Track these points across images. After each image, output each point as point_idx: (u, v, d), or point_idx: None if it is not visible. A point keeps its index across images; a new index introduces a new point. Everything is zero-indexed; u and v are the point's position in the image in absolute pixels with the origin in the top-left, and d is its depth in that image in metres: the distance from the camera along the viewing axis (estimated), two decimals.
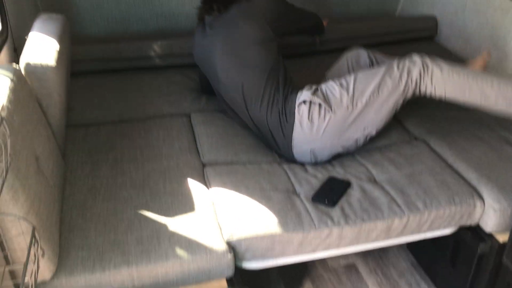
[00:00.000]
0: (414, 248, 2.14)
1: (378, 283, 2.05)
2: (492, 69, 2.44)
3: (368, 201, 1.67)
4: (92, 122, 2.05)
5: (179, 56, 2.47)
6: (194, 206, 1.63)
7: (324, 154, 1.84)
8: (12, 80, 1.42)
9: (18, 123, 1.36)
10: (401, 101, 1.82)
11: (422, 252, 2.10)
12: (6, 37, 1.87)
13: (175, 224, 1.55)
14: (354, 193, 1.71)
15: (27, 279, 1.09)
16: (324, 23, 2.38)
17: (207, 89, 2.23)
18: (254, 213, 1.59)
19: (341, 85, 1.81)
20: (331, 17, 2.48)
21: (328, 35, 2.52)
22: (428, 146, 1.95)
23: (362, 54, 2.07)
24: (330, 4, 2.81)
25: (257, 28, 1.89)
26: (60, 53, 1.71)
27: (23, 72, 1.61)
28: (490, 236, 1.72)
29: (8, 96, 1.35)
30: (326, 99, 1.78)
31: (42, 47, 1.68)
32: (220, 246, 1.49)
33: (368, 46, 2.71)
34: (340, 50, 2.64)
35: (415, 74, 1.79)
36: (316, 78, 2.02)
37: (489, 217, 1.69)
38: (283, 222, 1.56)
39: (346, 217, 1.61)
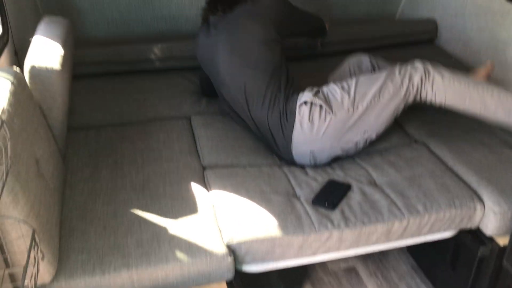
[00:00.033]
0: (414, 251, 2.14)
1: (378, 286, 2.04)
2: (492, 71, 2.44)
3: (368, 204, 1.67)
4: (92, 125, 2.06)
5: (179, 59, 2.48)
6: (194, 209, 1.63)
7: (324, 156, 1.84)
8: (12, 83, 1.42)
9: (18, 126, 1.37)
10: (401, 106, 1.83)
11: (422, 255, 2.09)
12: (7, 40, 1.87)
13: (175, 227, 1.55)
14: (354, 196, 1.71)
15: (26, 282, 1.09)
16: (326, 26, 2.38)
17: (207, 91, 2.24)
18: (254, 216, 1.59)
19: (342, 88, 1.81)
20: (331, 20, 2.48)
21: (328, 38, 2.53)
22: (428, 149, 1.95)
23: (364, 60, 2.08)
24: (330, 7, 2.81)
25: (261, 29, 1.91)
26: (65, 57, 1.71)
27: (27, 75, 1.62)
28: (491, 239, 1.72)
29: (9, 99, 1.35)
30: (327, 101, 1.79)
31: (46, 51, 1.69)
32: (220, 249, 1.49)
33: (368, 49, 2.72)
34: (340, 53, 2.65)
35: (416, 79, 1.79)
36: (316, 81, 2.02)
37: (489, 220, 1.69)
38: (283, 225, 1.56)
39: (346, 220, 1.61)
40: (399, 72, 1.82)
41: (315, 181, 1.77)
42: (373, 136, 1.86)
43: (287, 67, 1.91)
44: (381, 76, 1.82)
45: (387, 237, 1.66)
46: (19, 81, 1.48)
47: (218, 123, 2.08)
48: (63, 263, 1.42)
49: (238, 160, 1.88)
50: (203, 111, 2.19)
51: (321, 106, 1.77)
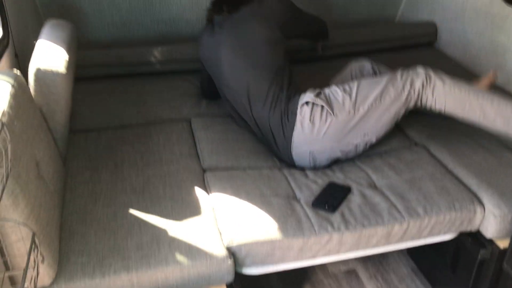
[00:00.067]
0: (414, 253, 2.14)
1: None
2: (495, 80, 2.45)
3: (368, 207, 1.67)
4: (92, 128, 2.06)
5: (179, 62, 2.48)
6: (194, 211, 1.63)
7: (323, 158, 1.84)
8: (13, 85, 1.43)
9: (18, 128, 1.37)
10: (402, 111, 1.84)
11: (422, 258, 2.09)
12: (7, 43, 1.88)
13: (175, 229, 1.55)
14: (354, 199, 1.71)
15: (26, 284, 1.09)
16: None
17: (208, 93, 2.25)
18: (254, 218, 1.59)
19: (344, 90, 1.82)
20: (330, 23, 2.49)
21: (328, 41, 2.53)
22: (428, 152, 1.95)
23: (366, 65, 2.10)
24: (330, 10, 2.82)
25: (266, 29, 1.93)
26: (69, 61, 1.72)
27: (32, 77, 1.62)
28: (491, 242, 1.72)
29: (9, 102, 1.36)
30: (328, 102, 1.80)
31: (51, 54, 1.70)
32: (220, 251, 1.49)
33: (368, 52, 2.73)
34: (340, 56, 2.66)
35: (418, 84, 1.80)
36: (317, 84, 2.02)
37: (489, 223, 1.69)
38: (283, 228, 1.56)
39: (346, 222, 1.61)
40: (401, 77, 1.83)
41: (315, 184, 1.77)
42: (373, 139, 1.86)
43: (290, 68, 1.93)
44: (383, 80, 1.83)
45: (387, 240, 1.66)
46: (19, 84, 1.48)
47: (218, 125, 2.08)
48: (63, 266, 1.42)
49: (238, 163, 1.88)
50: (203, 113, 2.20)
51: (322, 107, 1.78)
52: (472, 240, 1.75)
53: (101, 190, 1.70)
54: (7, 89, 1.40)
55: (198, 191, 1.72)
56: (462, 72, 2.57)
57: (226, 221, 1.59)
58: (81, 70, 2.32)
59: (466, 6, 2.56)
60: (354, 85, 1.82)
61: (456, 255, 1.84)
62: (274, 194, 1.70)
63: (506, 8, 2.32)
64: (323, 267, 2.13)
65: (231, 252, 1.52)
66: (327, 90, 1.85)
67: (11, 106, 1.35)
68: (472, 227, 1.73)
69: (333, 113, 1.77)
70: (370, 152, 1.94)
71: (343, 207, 1.67)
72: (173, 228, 1.55)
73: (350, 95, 1.79)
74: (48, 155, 1.59)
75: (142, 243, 1.49)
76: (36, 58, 1.66)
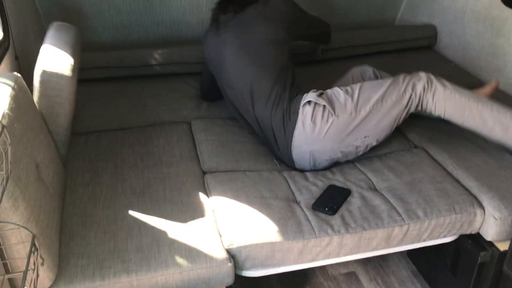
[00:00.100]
0: (414, 256, 2.14)
1: None
2: (492, 76, 2.45)
3: (369, 209, 1.67)
4: (92, 130, 2.06)
5: (179, 64, 2.48)
6: (194, 213, 1.63)
7: (323, 159, 1.84)
8: (13, 88, 1.43)
9: (19, 131, 1.37)
10: (403, 115, 1.85)
11: (422, 260, 2.09)
12: (8, 46, 1.88)
13: (175, 231, 1.55)
14: (354, 201, 1.71)
15: (26, 287, 1.09)
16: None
17: (207, 95, 2.25)
18: (254, 221, 1.59)
19: (346, 91, 1.83)
20: (330, 25, 2.49)
21: (330, 44, 2.53)
22: (428, 154, 1.96)
23: (368, 71, 2.11)
24: (330, 12, 2.82)
25: (272, 30, 1.95)
26: (74, 64, 1.73)
27: (37, 79, 1.63)
28: (491, 244, 1.72)
29: (10, 104, 1.36)
30: (330, 103, 1.81)
31: (57, 57, 1.70)
32: (220, 254, 1.49)
33: (367, 54, 2.74)
34: (340, 59, 2.67)
35: (419, 88, 1.81)
36: (317, 86, 2.02)
37: (489, 225, 1.69)
38: (283, 230, 1.56)
39: (346, 225, 1.61)
40: (403, 81, 1.84)
41: (315, 186, 1.77)
42: (374, 142, 1.87)
43: (293, 69, 1.95)
44: (385, 83, 1.84)
45: (387, 243, 1.66)
46: (19, 86, 1.48)
47: (218, 127, 2.08)
48: (63, 268, 1.42)
49: (238, 165, 1.88)
50: (203, 115, 2.20)
51: (324, 107, 1.79)
52: (472, 242, 1.75)
53: (101, 192, 1.70)
54: (7, 91, 1.40)
55: (198, 193, 1.72)
56: (462, 74, 2.57)
57: (226, 223, 1.59)
58: (81, 72, 2.32)
59: (466, 9, 2.56)
60: (357, 87, 1.84)
61: (456, 257, 1.84)
62: (274, 196, 1.70)
63: (506, 10, 2.32)
64: (323, 269, 2.12)
65: (231, 255, 1.51)
66: (329, 91, 1.86)
67: (11, 108, 1.35)
68: (472, 230, 1.73)
69: (334, 113, 1.78)
70: (370, 154, 1.94)
71: (343, 210, 1.67)
72: (173, 230, 1.55)
73: (352, 97, 1.80)
74: (48, 157, 1.59)
75: (142, 245, 1.49)
76: (42, 61, 1.67)
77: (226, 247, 1.52)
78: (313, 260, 1.62)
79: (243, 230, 1.56)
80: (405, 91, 1.82)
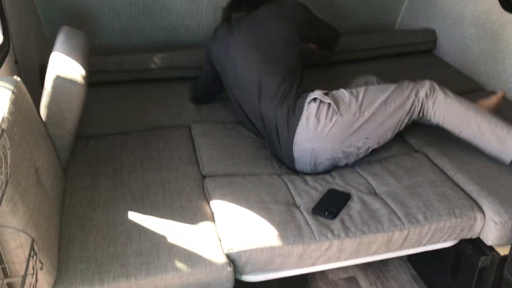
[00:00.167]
0: (414, 260, 2.13)
1: None
2: (491, 81, 2.46)
3: (368, 214, 1.67)
4: (92, 134, 2.06)
5: (179, 69, 2.49)
6: (193, 218, 1.62)
7: (324, 158, 1.85)
8: (13, 92, 1.43)
9: (18, 135, 1.37)
10: (406, 120, 1.87)
11: (422, 265, 2.09)
12: (8, 50, 1.88)
13: (175, 236, 1.54)
14: (354, 205, 1.70)
15: None
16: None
17: (200, 97, 2.29)
18: (254, 225, 1.59)
19: (351, 93, 1.86)
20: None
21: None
22: (428, 158, 1.95)
23: (372, 80, 2.14)
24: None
25: (284, 29, 2.00)
26: (86, 72, 1.75)
27: (50, 83, 1.64)
28: (491, 249, 1.72)
29: (9, 108, 1.36)
30: (335, 102, 1.83)
31: (70, 63, 1.72)
32: (219, 258, 1.49)
33: (367, 59, 2.74)
34: (339, 63, 2.67)
35: (422, 94, 1.84)
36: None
37: (490, 230, 1.68)
38: (283, 235, 1.56)
39: (346, 229, 1.60)
40: (407, 87, 1.87)
41: (315, 190, 1.77)
42: (375, 144, 1.88)
43: (301, 70, 1.99)
44: (389, 88, 1.87)
45: (387, 247, 1.66)
46: (19, 90, 1.48)
47: (218, 131, 2.08)
48: (62, 273, 1.41)
49: (238, 169, 1.88)
50: (203, 119, 2.20)
51: (329, 105, 1.81)
52: (472, 247, 1.75)
53: (100, 196, 1.70)
54: (7, 95, 1.40)
55: (198, 198, 1.72)
56: (462, 78, 2.58)
57: (225, 227, 1.59)
58: None
59: (465, 13, 2.57)
60: (362, 90, 1.87)
61: (457, 262, 1.83)
62: (274, 200, 1.70)
63: (505, 15, 2.33)
64: (323, 274, 2.12)
65: (231, 259, 1.51)
66: (334, 92, 1.89)
67: (11, 113, 1.35)
68: (473, 234, 1.73)
69: (339, 112, 1.80)
70: (370, 158, 1.95)
71: (343, 214, 1.67)
72: (173, 234, 1.55)
73: (357, 98, 1.83)
74: (48, 161, 1.58)
75: (142, 250, 1.49)
76: (55, 66, 1.68)
77: (225, 252, 1.52)
78: (313, 264, 1.61)
79: (243, 234, 1.56)
80: (408, 96, 1.84)
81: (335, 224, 1.62)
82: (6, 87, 1.43)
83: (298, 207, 1.70)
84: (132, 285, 1.41)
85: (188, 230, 1.57)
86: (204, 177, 1.85)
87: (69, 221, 1.59)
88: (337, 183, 1.82)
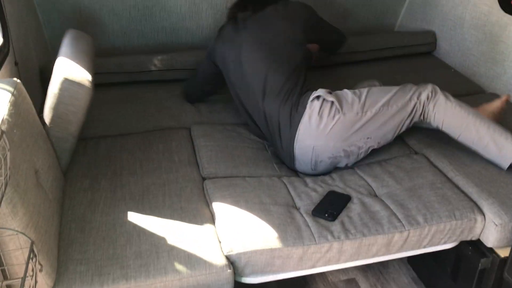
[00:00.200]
0: (415, 262, 2.13)
1: None
2: (491, 83, 2.45)
3: (368, 215, 1.67)
4: (91, 136, 2.05)
5: (179, 70, 2.49)
6: (193, 220, 1.62)
7: (326, 156, 1.85)
8: (13, 93, 1.43)
9: (18, 136, 1.37)
10: (407, 122, 1.88)
11: (423, 267, 2.08)
12: (8, 51, 1.88)
13: (174, 238, 1.54)
14: (354, 207, 1.70)
15: None
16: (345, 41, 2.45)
17: (193, 95, 2.31)
18: (254, 227, 1.59)
19: (354, 93, 1.88)
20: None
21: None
22: (428, 160, 1.95)
23: (374, 83, 2.16)
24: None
25: (290, 29, 2.04)
26: (92, 76, 1.76)
27: (58, 85, 1.64)
28: (491, 251, 1.71)
29: (9, 110, 1.36)
30: (338, 100, 1.84)
31: (77, 66, 1.73)
32: (219, 260, 1.48)
33: (367, 61, 2.74)
34: (339, 65, 2.67)
35: (423, 97, 1.86)
36: None
37: (490, 232, 1.68)
38: (283, 237, 1.56)
39: (346, 231, 1.60)
40: (410, 89, 1.89)
41: (315, 192, 1.77)
42: (375, 145, 1.88)
43: (306, 70, 2.01)
44: (392, 89, 1.89)
45: (387, 249, 1.65)
46: (19, 92, 1.48)
47: (217, 133, 2.08)
48: (61, 275, 1.41)
49: (237, 171, 1.88)
50: (203, 121, 2.20)
51: (332, 104, 1.82)
52: (472, 249, 1.75)
53: (100, 198, 1.70)
54: (7, 97, 1.40)
55: (198, 199, 1.71)
56: (461, 80, 2.58)
57: (225, 229, 1.59)
58: None
59: (465, 15, 2.57)
60: (364, 90, 1.88)
61: (457, 264, 1.83)
62: (274, 202, 1.70)
63: (505, 16, 2.33)
64: (322, 276, 2.11)
65: (231, 261, 1.51)
66: (338, 91, 1.90)
67: (10, 114, 1.35)
68: (473, 236, 1.73)
69: (341, 110, 1.81)
70: (370, 160, 1.94)
71: (343, 216, 1.66)
72: (172, 236, 1.54)
73: (359, 98, 1.85)
74: (47, 163, 1.58)
75: (141, 251, 1.49)
76: (63, 68, 1.69)
77: (225, 254, 1.51)
78: (313, 266, 1.61)
79: (242, 236, 1.55)
80: (410, 99, 1.85)
81: (335, 226, 1.62)
82: (6, 89, 1.43)
83: (298, 209, 1.70)
84: (132, 287, 1.40)
85: (187, 232, 1.57)
86: (204, 178, 1.85)
87: (68, 222, 1.59)
88: (337, 185, 1.82)
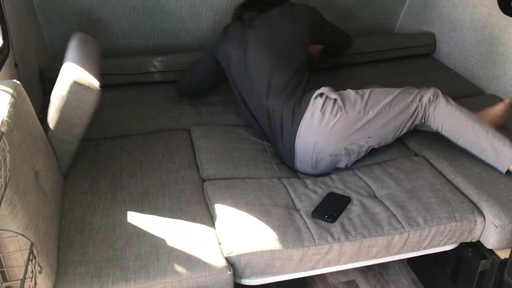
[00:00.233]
0: (414, 264, 2.13)
1: None
2: (491, 84, 2.46)
3: (368, 217, 1.66)
4: (91, 137, 2.05)
5: (179, 72, 2.48)
6: (193, 221, 1.62)
7: (327, 153, 1.86)
8: (12, 95, 1.43)
9: (18, 138, 1.37)
10: (408, 124, 1.89)
11: (423, 269, 2.08)
12: (8, 53, 1.88)
13: (174, 239, 1.54)
14: (354, 209, 1.70)
15: None
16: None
17: (183, 92, 2.33)
18: (254, 228, 1.59)
19: (357, 92, 1.90)
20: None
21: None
22: (428, 162, 1.95)
23: (377, 87, 2.15)
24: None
25: (296, 30, 2.09)
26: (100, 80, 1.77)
27: (67, 88, 1.65)
28: (491, 252, 1.71)
29: (9, 111, 1.36)
30: (341, 99, 1.86)
31: (86, 70, 1.74)
32: (219, 262, 1.48)
33: (367, 62, 2.74)
34: (339, 67, 2.67)
35: (425, 100, 1.87)
36: None
37: (490, 233, 1.68)
38: (283, 238, 1.55)
39: (346, 233, 1.60)
40: (412, 91, 1.90)
41: (315, 194, 1.77)
42: (376, 145, 1.90)
43: (309, 70, 2.03)
44: (395, 91, 1.90)
45: (387, 251, 1.65)
46: (19, 94, 1.48)
47: (217, 134, 2.08)
48: (61, 276, 1.41)
49: (237, 172, 1.88)
50: (203, 122, 2.20)
51: (335, 101, 1.84)
52: (472, 250, 1.75)
53: (99, 199, 1.70)
54: (7, 98, 1.40)
55: (197, 201, 1.71)
56: (461, 82, 2.58)
57: (225, 231, 1.58)
58: None
59: (465, 17, 2.57)
60: (367, 91, 1.90)
61: (457, 265, 1.83)
62: (274, 204, 1.70)
63: (505, 18, 2.33)
64: (322, 277, 2.11)
65: (231, 263, 1.51)
66: (341, 91, 1.92)
67: (10, 116, 1.35)
68: (473, 238, 1.73)
69: (344, 108, 1.83)
70: (370, 162, 1.94)
71: (342, 217, 1.66)
72: (172, 238, 1.54)
73: (362, 97, 1.87)
74: (47, 164, 1.58)
75: (141, 253, 1.48)
76: (72, 71, 1.70)
77: (225, 255, 1.51)
78: (313, 268, 1.61)
79: (242, 238, 1.55)
80: (412, 101, 1.87)
81: (335, 227, 1.62)
82: (5, 91, 1.43)
83: (297, 211, 1.70)
84: None
85: (187, 233, 1.57)
86: (203, 180, 1.85)
87: (68, 224, 1.59)
88: (337, 186, 1.82)
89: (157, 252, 1.49)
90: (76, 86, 1.66)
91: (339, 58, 2.64)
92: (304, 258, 1.56)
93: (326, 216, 1.64)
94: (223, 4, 2.54)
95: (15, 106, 1.41)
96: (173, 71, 2.49)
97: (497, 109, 2.02)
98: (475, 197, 1.75)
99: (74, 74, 1.68)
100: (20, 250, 1.26)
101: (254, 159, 1.96)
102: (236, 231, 1.58)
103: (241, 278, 1.55)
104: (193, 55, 2.49)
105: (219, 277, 1.46)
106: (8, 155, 1.17)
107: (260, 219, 1.62)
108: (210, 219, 1.65)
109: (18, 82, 1.52)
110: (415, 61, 2.80)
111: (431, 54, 2.87)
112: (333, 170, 1.94)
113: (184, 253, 1.49)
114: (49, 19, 2.42)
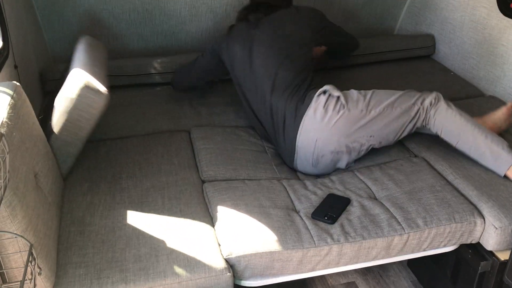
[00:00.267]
0: (414, 266, 2.13)
1: None
2: (490, 86, 2.46)
3: (368, 218, 1.66)
4: (91, 139, 2.04)
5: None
6: (193, 223, 1.62)
7: (328, 150, 1.86)
8: (12, 97, 1.43)
9: (17, 139, 1.36)
10: (409, 126, 1.90)
11: (422, 270, 2.08)
12: (7, 55, 1.88)
13: (174, 241, 1.54)
14: (354, 210, 1.70)
15: None
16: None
17: (178, 84, 2.37)
18: (253, 230, 1.58)
19: (359, 92, 1.92)
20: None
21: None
22: (428, 163, 1.95)
23: None
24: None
25: (301, 31, 2.13)
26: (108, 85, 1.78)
27: (76, 91, 1.66)
28: (491, 254, 1.71)
29: (8, 113, 1.36)
30: (344, 97, 1.88)
31: (95, 75, 1.75)
32: (219, 264, 1.48)
33: (367, 64, 2.74)
34: (339, 68, 2.68)
35: (426, 103, 1.89)
36: None
37: (489, 235, 1.68)
38: (283, 240, 1.55)
39: (346, 234, 1.60)
40: (414, 94, 1.92)
41: (315, 195, 1.77)
42: (376, 144, 1.90)
43: (313, 71, 2.06)
44: (397, 92, 1.92)
45: (387, 252, 1.65)
46: (19, 95, 1.48)
47: (217, 136, 2.08)
48: (60, 278, 1.41)
49: (237, 174, 1.88)
50: (202, 124, 2.20)
51: (338, 99, 1.86)
52: (472, 252, 1.75)
53: (99, 201, 1.70)
54: (6, 100, 1.40)
55: (197, 202, 1.71)
56: (461, 83, 2.58)
57: (225, 232, 1.58)
58: None
59: (464, 18, 2.57)
60: (370, 91, 1.92)
61: (457, 267, 1.83)
62: (273, 205, 1.70)
63: (504, 20, 2.34)
64: (322, 279, 2.11)
65: (230, 264, 1.51)
66: (344, 90, 1.94)
67: (10, 117, 1.35)
68: (473, 239, 1.73)
69: (347, 106, 1.85)
70: (370, 163, 1.95)
71: (342, 219, 1.66)
72: (172, 240, 1.54)
73: (364, 97, 1.89)
74: (47, 166, 1.58)
75: (140, 255, 1.48)
76: (82, 75, 1.70)
77: (225, 257, 1.51)
78: (313, 269, 1.61)
79: (242, 239, 1.55)
80: (414, 103, 1.88)
81: (335, 229, 1.62)
82: (5, 92, 1.43)
83: (297, 212, 1.70)
84: None
85: (187, 235, 1.57)
86: (203, 181, 1.85)
87: (67, 226, 1.59)
88: (337, 187, 1.82)
89: (156, 254, 1.49)
90: (86, 90, 1.67)
91: (345, 60, 2.65)
92: (304, 259, 1.56)
93: (325, 218, 1.64)
94: (223, 5, 2.55)
95: (14, 108, 1.41)
96: (172, 73, 2.48)
97: (500, 113, 2.02)
98: (475, 199, 1.75)
99: (84, 78, 1.69)
100: (20, 251, 1.26)
101: (254, 160, 1.96)
102: (236, 232, 1.58)
103: (241, 279, 1.55)
104: (193, 56, 2.48)
105: (219, 278, 1.46)
106: (7, 156, 1.17)
107: (259, 220, 1.62)
108: (209, 220, 1.65)
109: (17, 83, 1.52)
110: (414, 62, 2.81)
111: (431, 55, 2.87)
112: (333, 170, 1.94)
113: (184, 255, 1.49)
114: (49, 20, 2.42)
